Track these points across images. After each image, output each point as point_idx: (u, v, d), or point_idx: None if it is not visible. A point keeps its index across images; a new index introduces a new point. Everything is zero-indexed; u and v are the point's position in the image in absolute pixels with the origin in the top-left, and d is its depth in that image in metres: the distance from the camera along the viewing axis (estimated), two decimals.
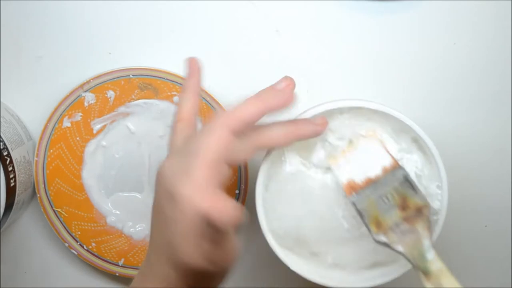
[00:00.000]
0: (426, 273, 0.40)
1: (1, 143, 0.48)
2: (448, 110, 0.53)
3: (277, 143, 0.40)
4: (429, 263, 0.40)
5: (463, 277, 0.55)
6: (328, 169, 0.45)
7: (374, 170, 0.43)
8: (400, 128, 0.45)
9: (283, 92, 0.40)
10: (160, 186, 0.38)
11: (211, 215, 0.34)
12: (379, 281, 0.45)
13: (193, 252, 0.36)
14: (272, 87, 0.41)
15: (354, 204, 0.43)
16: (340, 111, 0.45)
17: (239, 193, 0.52)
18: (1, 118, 0.50)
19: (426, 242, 0.40)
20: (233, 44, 0.52)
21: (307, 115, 0.44)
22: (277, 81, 0.41)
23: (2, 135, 0.49)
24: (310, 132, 0.41)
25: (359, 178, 0.43)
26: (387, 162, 0.43)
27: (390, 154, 0.43)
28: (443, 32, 0.51)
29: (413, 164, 0.45)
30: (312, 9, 0.51)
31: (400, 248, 0.41)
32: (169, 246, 0.37)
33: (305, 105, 0.49)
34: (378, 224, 0.42)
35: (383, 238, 0.41)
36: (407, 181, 0.42)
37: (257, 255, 0.54)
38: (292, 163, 0.45)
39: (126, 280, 0.55)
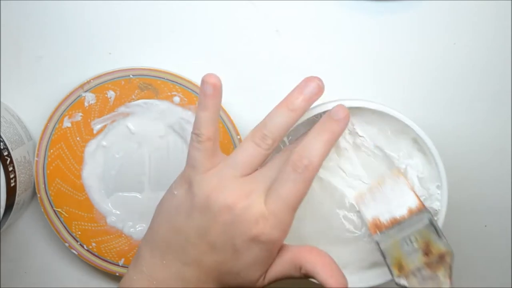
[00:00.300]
0: None
1: (2, 143, 0.48)
2: (448, 110, 0.53)
3: (322, 160, 0.39)
4: None
5: (463, 277, 0.55)
6: (335, 161, 0.45)
7: (400, 210, 0.42)
8: (400, 129, 0.45)
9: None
10: (231, 225, 0.38)
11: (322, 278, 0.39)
12: (379, 280, 0.45)
13: (262, 283, 0.40)
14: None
15: (377, 243, 0.42)
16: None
17: None
18: (1, 118, 0.50)
19: None
20: (233, 44, 0.52)
21: (307, 115, 0.44)
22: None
23: (2, 135, 0.49)
24: (341, 132, 0.40)
25: (384, 217, 0.42)
26: (413, 203, 0.42)
27: (417, 195, 0.43)
28: (443, 32, 0.51)
29: (414, 168, 0.45)
30: (312, 9, 0.51)
31: None
32: (234, 275, 0.40)
33: None
34: (400, 267, 0.41)
35: (403, 282, 0.40)
36: (432, 225, 0.41)
37: None
38: None
39: None
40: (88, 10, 0.52)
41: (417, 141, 0.45)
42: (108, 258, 0.53)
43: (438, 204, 0.45)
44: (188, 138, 0.52)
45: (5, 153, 0.48)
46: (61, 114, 0.52)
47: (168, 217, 0.41)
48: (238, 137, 0.51)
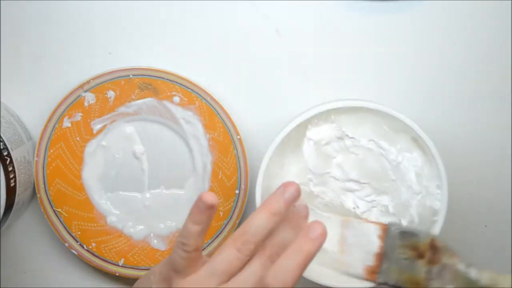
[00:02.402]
0: None
1: (1, 143, 0.48)
2: (448, 110, 0.53)
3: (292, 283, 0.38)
4: (479, 282, 0.39)
5: None
6: (327, 173, 0.45)
7: (374, 244, 0.42)
8: (399, 128, 0.45)
9: (288, 199, 0.39)
10: None
11: None
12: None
13: None
14: (280, 194, 0.39)
15: (386, 283, 0.41)
16: (339, 111, 0.45)
17: (239, 193, 0.52)
18: (1, 118, 0.50)
19: (461, 266, 0.39)
20: (233, 44, 0.52)
21: (307, 115, 0.45)
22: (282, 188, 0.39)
23: (2, 135, 0.49)
24: (317, 251, 0.39)
25: (369, 260, 0.42)
26: (377, 230, 0.42)
27: (374, 222, 0.42)
28: (443, 32, 0.51)
29: (412, 163, 0.45)
30: (312, 9, 0.51)
31: (451, 285, 0.40)
32: None
33: (305, 106, 0.49)
34: (417, 283, 0.40)
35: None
36: (404, 231, 0.41)
37: None
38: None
39: (126, 280, 0.55)
40: (88, 10, 0.52)
41: (416, 141, 0.45)
42: (108, 258, 0.53)
43: (438, 204, 0.45)
44: (188, 138, 0.52)
45: (5, 153, 0.48)
46: (61, 114, 0.52)
47: None
48: (238, 137, 0.51)
